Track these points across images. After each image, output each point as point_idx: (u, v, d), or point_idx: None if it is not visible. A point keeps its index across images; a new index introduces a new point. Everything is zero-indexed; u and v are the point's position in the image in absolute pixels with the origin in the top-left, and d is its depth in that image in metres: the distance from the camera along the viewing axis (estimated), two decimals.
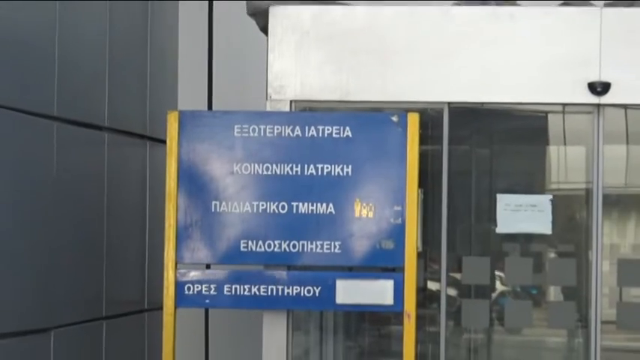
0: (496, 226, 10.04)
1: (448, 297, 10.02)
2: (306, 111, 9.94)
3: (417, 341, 9.41)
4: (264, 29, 10.10)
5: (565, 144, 10.90)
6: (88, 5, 10.71)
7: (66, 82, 10.20)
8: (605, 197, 9.90)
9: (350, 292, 9.37)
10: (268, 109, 9.95)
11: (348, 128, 9.53)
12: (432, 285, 10.26)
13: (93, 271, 10.86)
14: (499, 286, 10.64)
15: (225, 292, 9.59)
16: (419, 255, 9.58)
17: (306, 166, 9.55)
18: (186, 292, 9.58)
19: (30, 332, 9.58)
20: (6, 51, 9.15)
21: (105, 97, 11.12)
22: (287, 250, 9.54)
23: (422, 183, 9.57)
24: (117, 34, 11.40)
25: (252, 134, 9.61)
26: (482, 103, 10.04)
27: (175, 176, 9.55)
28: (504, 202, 10.03)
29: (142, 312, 11.93)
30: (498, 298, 10.65)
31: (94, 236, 10.89)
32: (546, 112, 10.66)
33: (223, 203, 9.57)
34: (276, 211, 9.56)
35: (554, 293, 10.66)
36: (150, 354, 11.85)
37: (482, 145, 11.11)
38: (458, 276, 10.17)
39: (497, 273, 10.53)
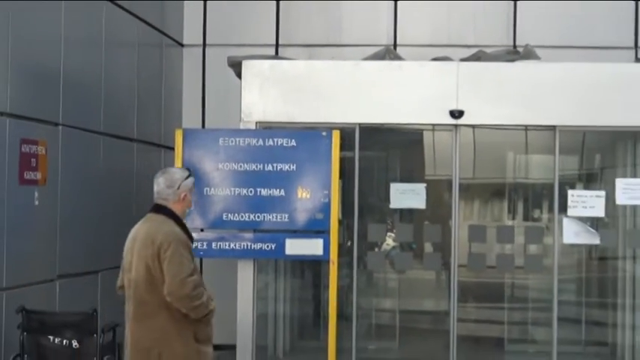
0: (390, 203, 10.14)
1: (358, 250, 10.09)
2: (266, 129, 9.99)
3: (338, 278, 9.58)
4: (239, 75, 10.21)
5: (434, 150, 10.90)
6: (122, 55, 10.72)
7: (109, 108, 10.16)
8: (461, 185, 10.06)
9: (294, 247, 9.53)
10: (241, 127, 10.03)
11: (293, 140, 9.71)
12: (348, 242, 10.25)
13: (127, 232, 10.61)
14: (391, 242, 10.66)
15: (213, 247, 9.77)
16: (339, 222, 9.88)
17: (266, 164, 9.68)
18: None
19: (84, 273, 9.57)
20: (70, 88, 9.16)
21: (134, 119, 11.04)
22: (253, 219, 9.69)
23: (341, 175, 9.80)
24: (143, 75, 11.28)
25: (230, 144, 9.75)
26: (382, 124, 10.17)
27: None
28: (395, 188, 10.12)
29: None
30: (391, 250, 10.70)
31: (128, 211, 10.60)
32: (422, 130, 10.82)
33: (212, 189, 9.71)
34: (246, 194, 9.70)
35: (427, 247, 10.69)
36: None
37: (381, 151, 11.15)
38: (365, 236, 10.25)
39: (390, 234, 10.67)
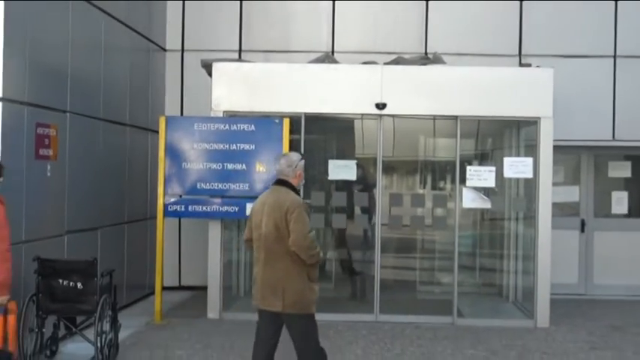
0: (328, 175, 10.22)
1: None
2: (231, 117, 9.98)
3: None
4: (210, 74, 10.21)
5: (363, 134, 10.90)
6: (118, 57, 10.61)
7: (107, 99, 10.08)
8: (383, 162, 10.15)
9: None
10: (212, 115, 10.03)
11: (253, 125, 9.76)
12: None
13: (120, 197, 10.71)
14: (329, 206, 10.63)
15: (189, 210, 9.81)
16: None
17: (231, 144, 9.72)
18: (170, 209, 9.82)
19: (87, 230, 9.51)
20: (76, 83, 9.09)
21: (127, 108, 10.90)
22: (221, 187, 9.74)
23: None
24: (134, 74, 11.17)
25: (203, 128, 9.78)
26: (322, 113, 10.19)
27: (164, 149, 9.74)
28: (333, 164, 10.22)
29: (146, 220, 11.55)
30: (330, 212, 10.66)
31: (121, 181, 10.73)
32: (354, 118, 10.84)
33: (188, 163, 9.74)
34: (216, 167, 9.74)
35: (357, 210, 10.69)
36: (150, 243, 11.47)
37: (322, 134, 11.14)
38: (309, 201, 10.25)
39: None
